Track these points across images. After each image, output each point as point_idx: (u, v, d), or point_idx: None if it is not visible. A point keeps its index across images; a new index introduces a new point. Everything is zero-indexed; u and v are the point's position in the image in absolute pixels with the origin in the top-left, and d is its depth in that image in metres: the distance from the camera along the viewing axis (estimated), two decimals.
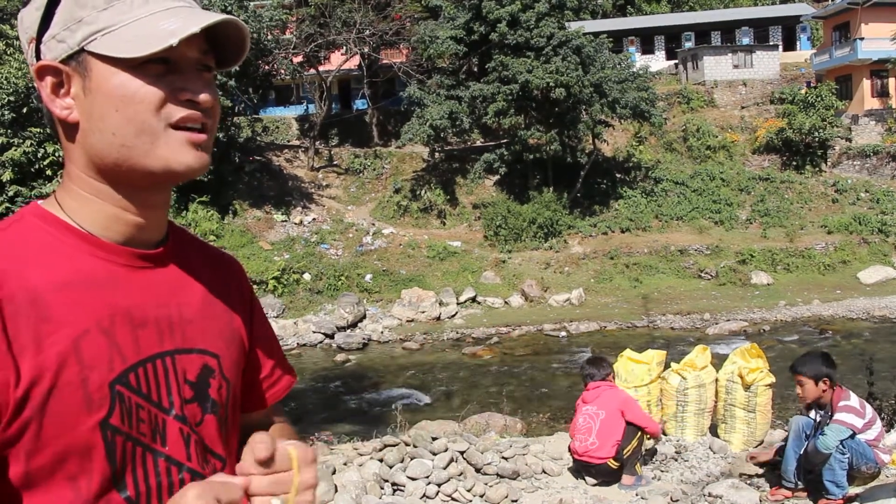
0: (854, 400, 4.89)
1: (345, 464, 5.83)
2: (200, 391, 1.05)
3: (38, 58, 1.00)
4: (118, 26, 0.96)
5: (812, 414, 5.07)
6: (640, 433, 5.54)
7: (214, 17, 0.95)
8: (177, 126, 0.98)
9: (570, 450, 5.78)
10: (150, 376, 0.99)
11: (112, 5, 0.96)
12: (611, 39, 31.28)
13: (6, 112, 21.19)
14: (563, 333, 20.60)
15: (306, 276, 24.07)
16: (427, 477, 5.46)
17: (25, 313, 0.91)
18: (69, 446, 0.92)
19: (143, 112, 0.96)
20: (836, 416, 4.80)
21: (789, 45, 41.82)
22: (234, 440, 1.14)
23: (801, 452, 4.97)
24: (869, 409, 4.94)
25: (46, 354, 0.91)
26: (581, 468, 5.72)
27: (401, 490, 5.45)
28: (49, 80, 0.99)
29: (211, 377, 1.07)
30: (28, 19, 1.01)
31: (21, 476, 0.90)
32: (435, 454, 5.68)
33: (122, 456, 0.95)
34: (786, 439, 5.28)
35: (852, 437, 4.74)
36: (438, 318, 22.40)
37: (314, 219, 28.22)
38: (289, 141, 34.20)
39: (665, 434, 6.36)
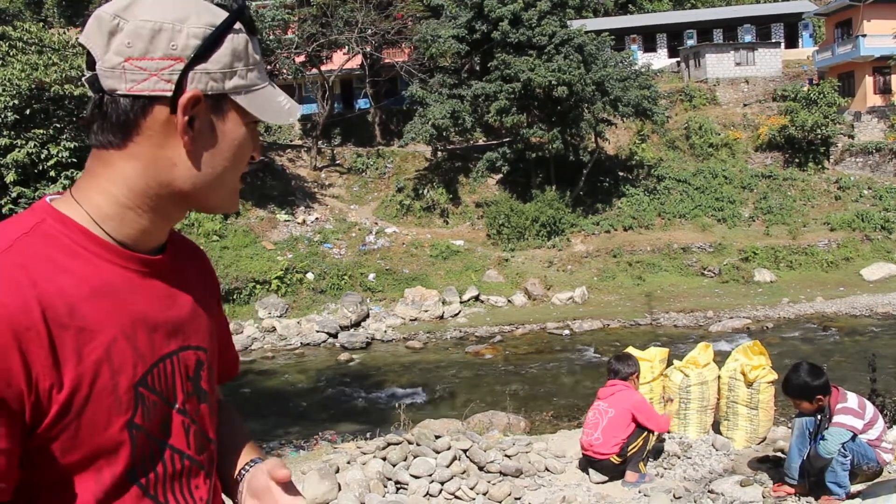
0: (852, 401, 4.84)
1: (348, 462, 5.86)
2: (196, 384, 1.15)
3: (180, 81, 1.01)
4: (258, 88, 1.09)
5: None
6: (646, 433, 5.56)
7: (298, 107, 1.15)
8: None
9: (580, 443, 5.84)
10: (162, 375, 1.08)
11: (254, 69, 1.08)
12: (613, 37, 31.25)
13: (9, 114, 21.22)
14: (567, 332, 20.61)
15: (309, 276, 24.10)
16: (430, 475, 5.48)
17: (65, 322, 0.96)
18: (101, 444, 1.00)
19: (243, 161, 1.12)
20: (835, 418, 4.77)
21: (791, 42, 41.75)
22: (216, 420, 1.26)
23: (806, 454, 4.96)
24: (869, 409, 4.88)
25: (86, 363, 0.97)
26: (587, 462, 5.76)
27: (404, 488, 5.47)
28: (190, 106, 1.04)
29: (202, 369, 1.17)
30: (179, 39, 1.01)
31: (53, 471, 0.98)
32: (438, 452, 5.70)
33: (141, 450, 1.05)
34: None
35: (853, 438, 4.72)
36: (441, 317, 22.42)
37: (317, 218, 28.25)
38: (291, 141, 34.24)
39: (668, 431, 6.37)
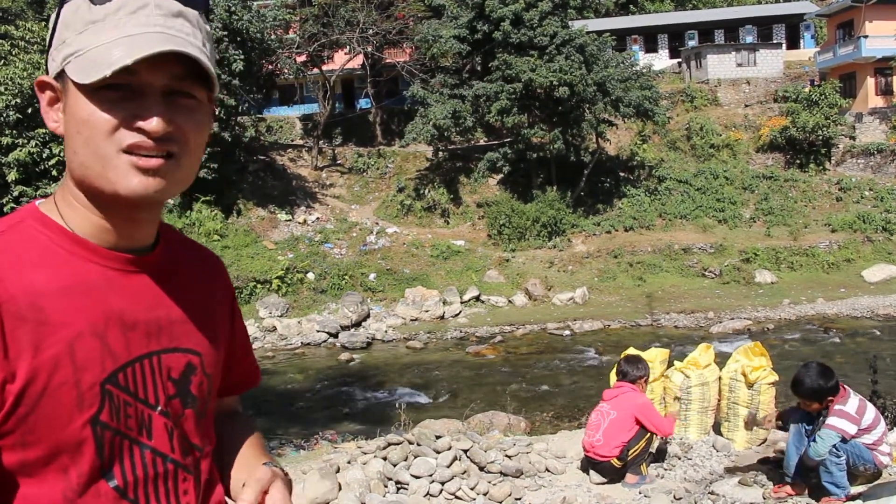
0: (851, 404, 4.78)
1: (349, 462, 5.86)
2: (182, 387, 1.12)
3: (46, 71, 1.05)
4: (86, 50, 0.98)
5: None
6: (648, 435, 5.55)
7: (154, 48, 0.95)
8: (128, 151, 0.99)
9: (582, 444, 5.84)
10: (138, 375, 1.06)
11: (87, 29, 0.99)
12: (614, 38, 31.23)
13: (11, 113, 21.24)
14: (567, 332, 20.60)
15: (310, 276, 24.09)
16: (431, 475, 5.48)
17: (25, 315, 0.97)
18: (62, 440, 0.99)
19: (95, 136, 0.99)
20: (828, 420, 4.73)
21: (793, 43, 41.74)
22: (210, 428, 1.22)
23: (803, 451, 4.96)
24: (869, 414, 4.82)
25: (42, 357, 0.97)
26: (588, 464, 5.76)
27: (404, 488, 5.47)
28: (47, 93, 1.05)
29: (192, 374, 1.14)
30: (48, 32, 1.05)
31: (15, 465, 0.97)
32: (438, 452, 5.70)
33: (110, 449, 1.03)
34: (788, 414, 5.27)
35: (844, 440, 4.70)
36: (442, 317, 22.42)
37: (318, 218, 28.26)
38: (292, 140, 34.24)
39: (671, 436, 6.37)
